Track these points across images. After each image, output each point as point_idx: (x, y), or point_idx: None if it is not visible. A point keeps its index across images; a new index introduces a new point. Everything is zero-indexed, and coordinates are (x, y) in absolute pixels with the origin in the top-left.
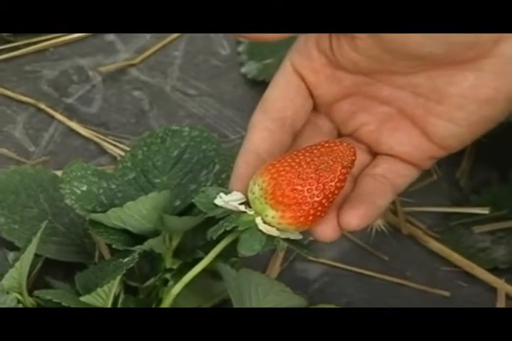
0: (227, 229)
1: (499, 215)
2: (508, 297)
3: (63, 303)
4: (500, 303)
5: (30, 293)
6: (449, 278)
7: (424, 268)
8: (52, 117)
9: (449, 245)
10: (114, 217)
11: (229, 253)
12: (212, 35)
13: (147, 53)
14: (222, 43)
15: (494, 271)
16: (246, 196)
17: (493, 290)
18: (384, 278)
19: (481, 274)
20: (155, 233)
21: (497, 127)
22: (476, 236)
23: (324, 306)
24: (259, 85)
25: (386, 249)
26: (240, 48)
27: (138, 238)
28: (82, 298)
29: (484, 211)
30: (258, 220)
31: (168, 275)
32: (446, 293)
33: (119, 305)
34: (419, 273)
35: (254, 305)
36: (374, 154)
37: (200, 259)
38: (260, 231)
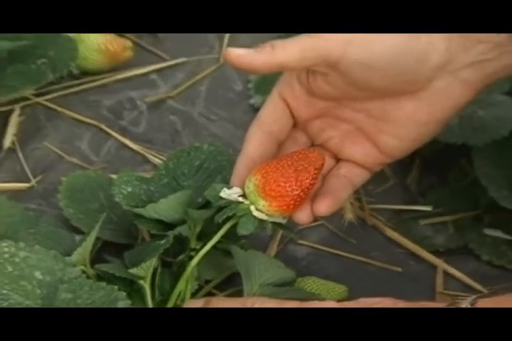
0: (229, 214)
1: (438, 212)
2: (445, 273)
3: (116, 274)
4: (439, 278)
5: (92, 266)
6: (401, 258)
7: (384, 250)
8: (110, 135)
9: (402, 233)
10: (151, 211)
11: (238, 238)
12: (228, 76)
13: (180, 88)
14: (236, 81)
15: (435, 253)
16: (243, 190)
17: (434, 267)
18: (353, 258)
19: (425, 255)
20: (182, 222)
21: (438, 145)
22: (421, 227)
23: (309, 278)
24: None
25: (355, 235)
26: (250, 85)
27: (170, 226)
28: (130, 270)
29: (428, 208)
30: (252, 208)
31: (193, 253)
32: (399, 269)
33: (157, 276)
34: (379, 254)
35: (257, 277)
36: (338, 160)
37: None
38: (254, 216)
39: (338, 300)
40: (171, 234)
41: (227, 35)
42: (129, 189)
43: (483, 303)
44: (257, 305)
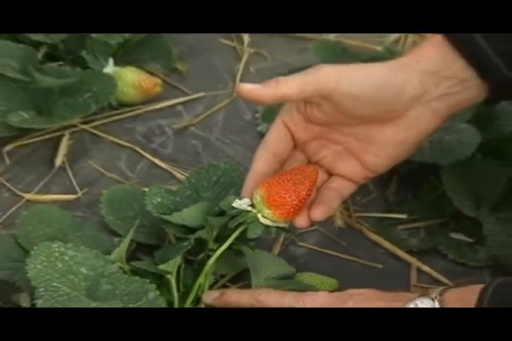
0: (240, 221)
1: (412, 219)
2: (418, 269)
3: (148, 269)
4: (413, 273)
5: (128, 263)
6: (382, 257)
7: (368, 250)
8: (143, 156)
9: (383, 236)
10: (177, 218)
11: (248, 240)
12: (240, 107)
13: (201, 117)
14: (246, 112)
15: (410, 252)
16: (251, 201)
17: (409, 265)
18: (343, 257)
19: (401, 255)
20: (202, 227)
21: (412, 164)
22: (398, 232)
23: (306, 273)
24: None
25: (344, 238)
26: (257, 115)
27: (191, 230)
28: (159, 267)
29: (403, 216)
30: (259, 216)
31: (210, 253)
32: (381, 266)
33: (181, 271)
34: (364, 253)
35: (263, 272)
36: (330, 175)
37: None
38: (260, 222)
39: (330, 291)
40: (192, 237)
41: (239, 74)
42: (159, 200)
43: (449, 293)
44: (262, 296)
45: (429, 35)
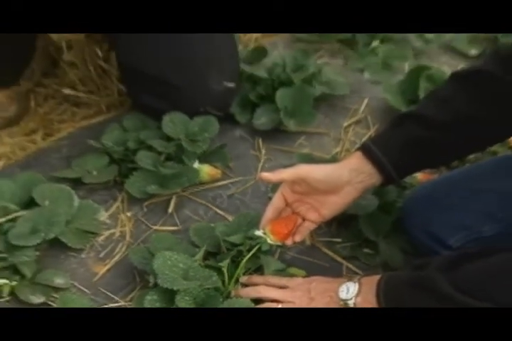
0: (258, 241)
1: (344, 241)
2: (346, 267)
3: (212, 265)
4: (344, 269)
5: (203, 261)
6: (328, 260)
7: (322, 257)
8: (211, 208)
9: (329, 250)
10: (228, 239)
11: (262, 251)
12: (259, 185)
13: (240, 189)
14: (262, 187)
15: (343, 258)
16: (264, 231)
17: (341, 264)
18: (309, 260)
19: (338, 259)
20: (241, 244)
21: (345, 214)
22: (337, 248)
23: (291, 268)
24: None
25: (310, 251)
26: (268, 188)
27: (235, 245)
28: (219, 264)
29: (339, 240)
30: (267, 239)
31: (244, 258)
32: (328, 265)
33: (229, 266)
34: (320, 258)
35: (270, 267)
36: (303, 219)
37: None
38: (268, 243)
39: (303, 277)
40: (235, 249)
41: (259, 168)
42: (220, 229)
43: (363, 279)
44: (270, 279)
45: (353, 151)
